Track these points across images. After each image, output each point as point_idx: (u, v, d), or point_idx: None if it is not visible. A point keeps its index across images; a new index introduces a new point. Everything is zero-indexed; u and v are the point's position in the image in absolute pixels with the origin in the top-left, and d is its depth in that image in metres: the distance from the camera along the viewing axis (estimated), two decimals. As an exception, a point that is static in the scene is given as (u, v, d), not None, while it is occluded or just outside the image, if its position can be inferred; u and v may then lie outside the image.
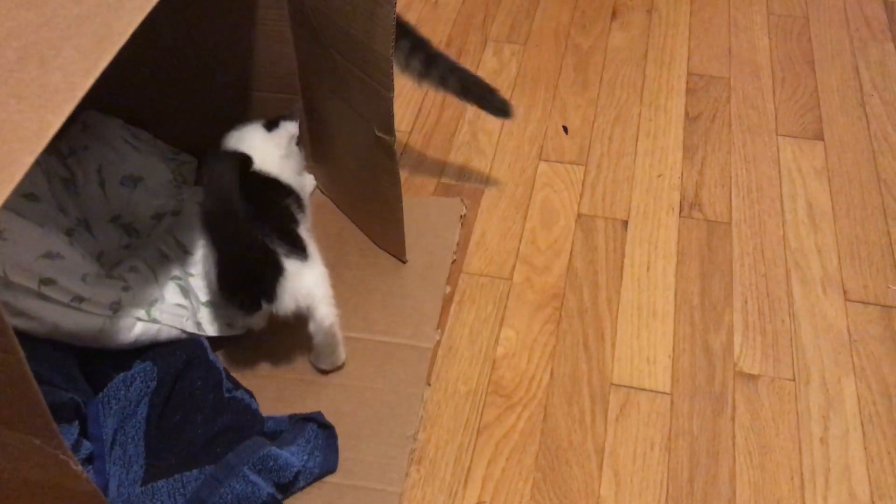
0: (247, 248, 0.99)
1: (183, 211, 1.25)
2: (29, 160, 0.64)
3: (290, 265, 1.01)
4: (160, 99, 1.31)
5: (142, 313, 1.02)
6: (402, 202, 1.20)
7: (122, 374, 0.98)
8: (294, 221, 1.09)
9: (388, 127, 1.10)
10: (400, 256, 1.27)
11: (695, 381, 1.13)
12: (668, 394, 1.12)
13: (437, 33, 1.70)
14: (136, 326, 1.01)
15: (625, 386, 1.12)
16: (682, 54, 1.66)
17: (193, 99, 1.31)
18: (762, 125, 1.50)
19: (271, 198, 1.09)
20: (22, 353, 0.65)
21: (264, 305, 1.01)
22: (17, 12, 0.78)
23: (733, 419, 1.09)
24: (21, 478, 0.78)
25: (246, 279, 1.01)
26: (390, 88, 1.05)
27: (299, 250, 1.03)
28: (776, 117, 1.52)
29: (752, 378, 1.13)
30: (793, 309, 1.21)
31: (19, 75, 0.71)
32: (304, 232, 1.09)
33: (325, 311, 1.04)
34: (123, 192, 1.22)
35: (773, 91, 1.57)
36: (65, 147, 1.25)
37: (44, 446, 0.72)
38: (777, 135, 1.48)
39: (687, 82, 1.60)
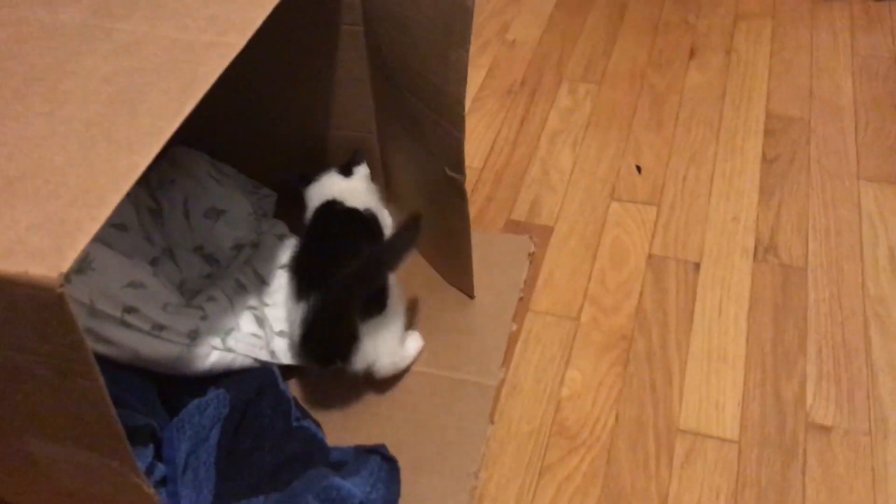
0: (333, 317, 1.05)
1: (261, 243, 1.30)
2: (116, 199, 0.68)
3: (367, 328, 1.07)
4: (244, 135, 1.37)
5: (217, 342, 1.07)
6: (470, 240, 1.22)
7: (196, 401, 1.02)
8: (379, 271, 1.10)
9: (459, 166, 1.12)
10: (468, 292, 1.28)
11: (764, 430, 1.10)
12: (735, 442, 1.09)
13: (512, 73, 1.73)
14: (212, 355, 1.06)
15: (691, 432, 1.11)
16: (760, 95, 1.64)
17: (275, 135, 1.36)
18: (843, 168, 1.47)
19: (359, 244, 1.12)
20: (102, 381, 0.69)
21: (338, 364, 1.09)
22: (113, 59, 0.83)
23: (804, 472, 1.06)
24: (98, 497, 0.83)
25: (325, 343, 1.08)
26: (461, 129, 1.07)
27: (378, 305, 1.08)
28: (858, 160, 1.48)
29: (825, 430, 1.10)
30: (870, 359, 1.18)
31: (111, 118, 0.76)
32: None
33: (384, 364, 1.12)
34: (206, 224, 1.28)
35: (856, 133, 1.53)
36: (154, 180, 1.32)
37: (120, 469, 0.76)
38: (858, 178, 1.45)
39: (765, 123, 1.57)
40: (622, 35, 1.82)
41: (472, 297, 1.28)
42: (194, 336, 1.04)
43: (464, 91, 1.03)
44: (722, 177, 1.47)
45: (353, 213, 1.20)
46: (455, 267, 1.29)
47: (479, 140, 1.58)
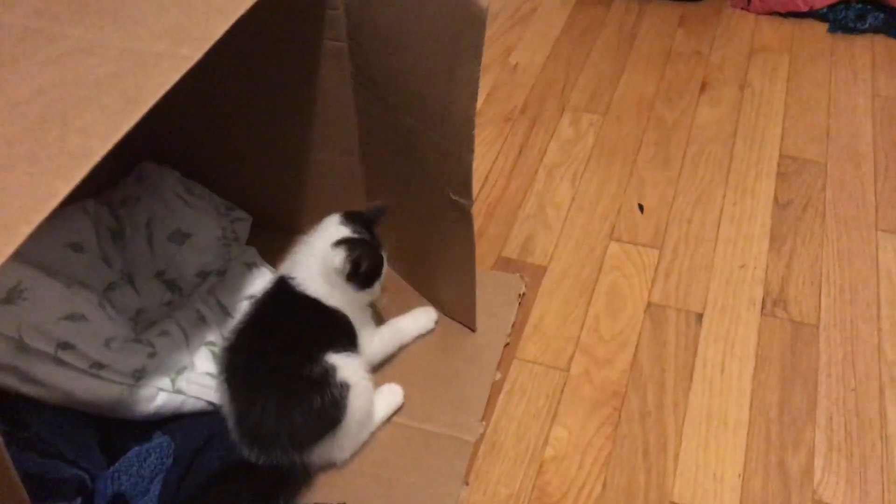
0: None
1: (228, 271, 1.20)
2: (26, 230, 0.59)
3: (317, 448, 0.97)
4: (220, 153, 1.28)
5: (165, 383, 0.97)
6: (475, 268, 1.14)
7: (136, 448, 0.92)
8: (329, 385, 0.96)
9: (465, 190, 1.04)
10: (470, 325, 1.20)
11: (767, 506, 1.00)
12: (734, 519, 0.99)
13: (512, 99, 1.64)
14: (158, 397, 0.96)
15: (686, 505, 1.00)
16: (774, 134, 1.54)
17: (251, 155, 1.27)
18: (860, 218, 1.37)
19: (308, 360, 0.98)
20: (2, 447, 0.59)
21: None
22: (51, 68, 0.74)
23: (809, 558, 0.95)
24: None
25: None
26: (470, 150, 0.99)
27: (330, 422, 0.97)
28: (876, 210, 1.38)
29: (835, 510, 0.99)
30: (885, 432, 1.07)
31: (38, 136, 0.67)
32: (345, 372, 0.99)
33: (344, 459, 1.03)
34: (170, 248, 1.18)
35: (875, 180, 1.44)
36: (117, 197, 1.22)
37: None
38: (877, 230, 1.34)
39: (778, 165, 1.48)
40: (630, 65, 1.72)
41: (474, 329, 1.19)
42: (139, 376, 0.94)
43: (473, 109, 0.95)
44: (730, 221, 1.37)
45: (311, 305, 1.01)
46: (456, 297, 1.19)
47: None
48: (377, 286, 1.06)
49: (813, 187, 1.43)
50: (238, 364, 0.96)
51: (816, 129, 1.55)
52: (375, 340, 1.10)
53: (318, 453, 0.98)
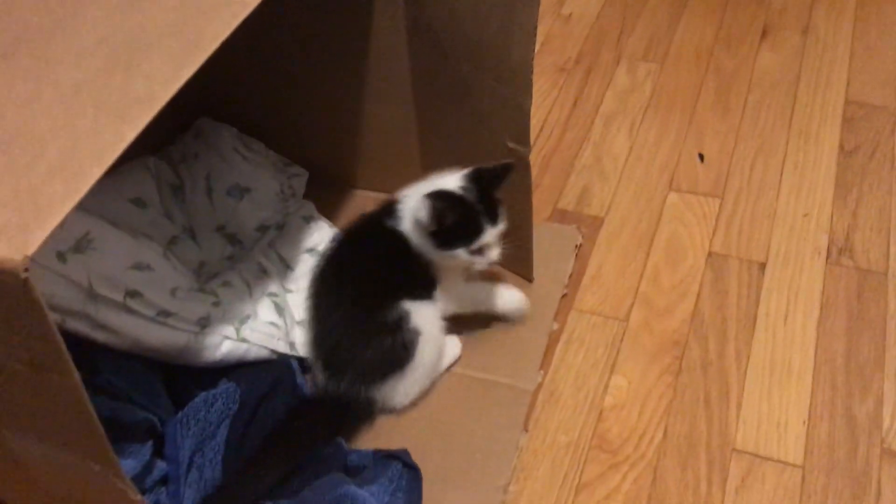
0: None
1: (287, 224, 1.21)
2: (97, 172, 0.60)
3: (385, 384, 1.01)
4: (275, 109, 1.29)
5: (230, 331, 0.98)
6: (532, 217, 1.14)
7: (203, 394, 0.95)
8: (401, 329, 0.99)
9: (523, 137, 1.04)
10: (527, 276, 1.19)
11: (833, 454, 0.98)
12: (799, 466, 0.97)
13: (566, 49, 1.61)
14: (224, 345, 0.97)
15: (749, 453, 0.99)
16: (840, 79, 1.49)
17: (307, 110, 1.27)
18: (932, 163, 1.32)
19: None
20: (77, 376, 0.61)
21: None
22: (114, 16, 0.75)
23: (877, 505, 0.94)
24: (78, 499, 0.75)
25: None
26: (528, 96, 0.99)
27: (399, 362, 1.00)
28: (949, 155, 1.33)
29: (904, 459, 0.97)
30: (958, 380, 1.04)
31: (103, 82, 0.68)
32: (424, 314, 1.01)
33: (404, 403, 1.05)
34: (230, 202, 1.20)
35: (948, 125, 1.38)
36: (176, 153, 1.24)
37: (102, 472, 0.69)
38: (949, 175, 1.30)
39: (844, 111, 1.43)
40: (688, 11, 1.68)
41: (531, 280, 1.19)
42: (205, 324, 0.96)
43: (531, 53, 0.95)
44: (793, 168, 1.34)
45: (401, 243, 0.99)
46: (512, 248, 1.18)
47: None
48: (461, 252, 0.97)
49: (881, 133, 1.38)
50: (324, 289, 1.01)
51: (884, 73, 1.50)
52: (453, 299, 1.05)
53: (383, 392, 1.00)
